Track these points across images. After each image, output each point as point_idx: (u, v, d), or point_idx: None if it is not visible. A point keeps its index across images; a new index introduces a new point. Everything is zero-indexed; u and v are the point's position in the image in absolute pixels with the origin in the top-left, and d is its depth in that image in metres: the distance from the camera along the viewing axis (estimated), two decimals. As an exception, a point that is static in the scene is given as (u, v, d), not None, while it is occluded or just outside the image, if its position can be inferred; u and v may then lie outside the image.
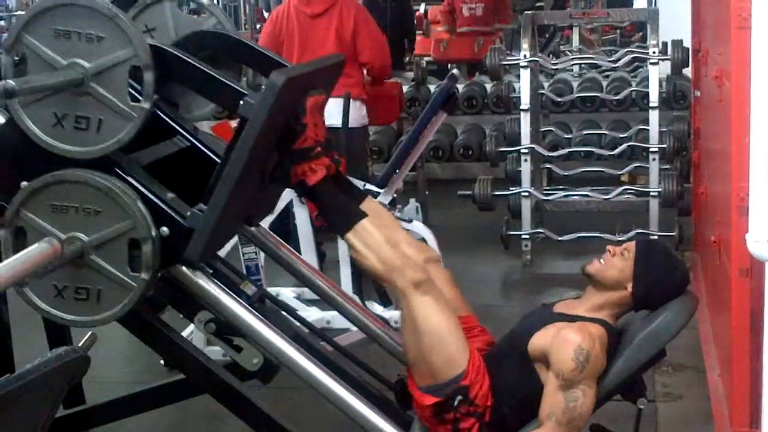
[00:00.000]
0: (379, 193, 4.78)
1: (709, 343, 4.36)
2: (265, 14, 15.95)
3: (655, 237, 5.75)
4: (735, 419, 3.36)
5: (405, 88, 8.26)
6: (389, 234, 2.89)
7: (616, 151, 6.46)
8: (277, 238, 3.29)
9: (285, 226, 5.20)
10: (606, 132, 7.44)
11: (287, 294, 5.06)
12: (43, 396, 1.96)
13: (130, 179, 2.62)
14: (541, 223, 6.37)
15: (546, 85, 7.91)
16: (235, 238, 4.35)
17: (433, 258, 3.06)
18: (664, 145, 5.95)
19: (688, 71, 6.43)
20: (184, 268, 2.70)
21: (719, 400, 3.77)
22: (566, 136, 7.39)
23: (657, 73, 5.93)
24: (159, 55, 2.60)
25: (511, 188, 6.25)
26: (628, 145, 6.46)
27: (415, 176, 6.92)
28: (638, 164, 6.34)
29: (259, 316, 2.77)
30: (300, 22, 5.82)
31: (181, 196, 2.67)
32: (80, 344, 2.85)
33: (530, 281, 5.97)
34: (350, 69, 5.81)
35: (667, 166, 6.31)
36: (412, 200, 5.62)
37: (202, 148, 2.84)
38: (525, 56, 6.01)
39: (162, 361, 3.99)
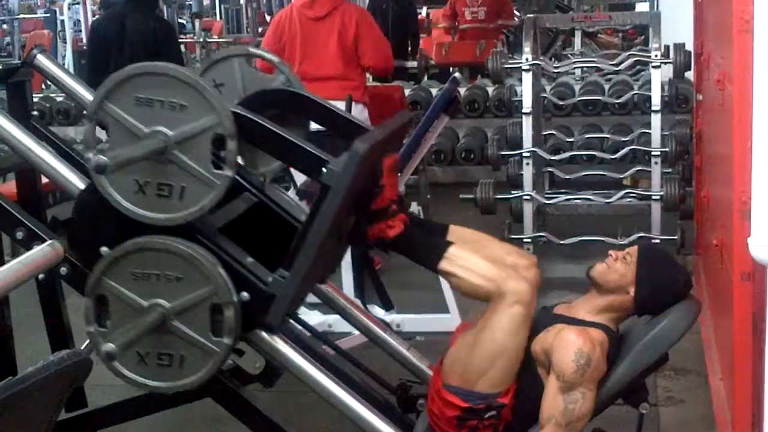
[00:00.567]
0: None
1: (711, 348, 4.36)
2: (268, 18, 15.98)
3: (657, 241, 5.75)
4: (737, 423, 3.35)
5: (407, 92, 8.26)
6: (485, 251, 2.91)
7: (618, 155, 6.45)
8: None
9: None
10: (608, 135, 7.45)
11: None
12: (46, 399, 1.97)
13: (210, 245, 2.63)
14: (543, 226, 6.36)
15: (548, 88, 7.91)
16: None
17: (534, 263, 3.06)
18: (666, 149, 5.94)
19: (690, 75, 6.43)
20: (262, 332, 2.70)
21: (721, 405, 3.77)
22: (568, 139, 7.39)
23: (659, 76, 5.92)
24: (238, 120, 2.58)
25: (512, 192, 6.24)
26: (630, 149, 6.45)
27: (417, 180, 6.92)
28: (640, 168, 6.33)
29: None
30: (302, 25, 5.83)
31: (251, 252, 2.67)
32: (82, 348, 2.86)
33: (532, 285, 5.96)
34: (352, 72, 5.82)
35: (669, 170, 6.30)
36: (414, 204, 5.62)
37: (271, 204, 2.85)
38: (527, 60, 6.01)
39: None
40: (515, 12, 11.31)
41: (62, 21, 14.96)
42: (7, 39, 16.71)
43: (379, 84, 7.26)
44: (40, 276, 2.85)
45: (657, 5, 12.40)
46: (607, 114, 8.31)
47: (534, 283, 2.89)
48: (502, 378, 2.80)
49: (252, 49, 3.26)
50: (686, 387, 4.24)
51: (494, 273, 2.78)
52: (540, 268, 3.06)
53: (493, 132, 8.27)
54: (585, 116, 8.36)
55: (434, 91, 8.62)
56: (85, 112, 2.61)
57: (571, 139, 7.49)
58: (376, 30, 5.95)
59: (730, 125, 3.31)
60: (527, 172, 6.09)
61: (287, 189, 4.02)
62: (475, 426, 2.81)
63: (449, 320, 4.57)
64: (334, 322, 4.50)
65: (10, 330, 3.27)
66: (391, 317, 4.55)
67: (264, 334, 2.70)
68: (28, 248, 2.65)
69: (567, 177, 6.50)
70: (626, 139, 6.74)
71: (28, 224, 2.75)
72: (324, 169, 2.53)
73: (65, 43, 14.16)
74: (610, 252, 3.00)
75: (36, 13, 17.78)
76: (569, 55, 10.52)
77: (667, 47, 6.03)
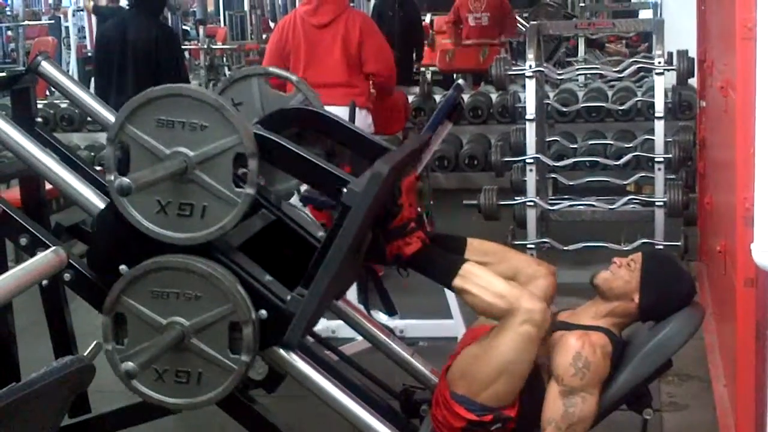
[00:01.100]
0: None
1: (714, 353, 4.35)
2: (272, 24, 15.99)
3: (661, 247, 5.75)
4: (740, 429, 3.35)
5: (410, 98, 8.27)
6: (504, 265, 2.94)
7: (622, 161, 6.44)
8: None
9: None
10: (611, 142, 7.44)
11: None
12: (49, 405, 1.97)
13: (228, 263, 2.64)
14: (546, 232, 6.36)
15: (551, 95, 7.91)
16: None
17: (552, 271, 3.08)
18: (670, 155, 5.93)
19: (693, 81, 6.43)
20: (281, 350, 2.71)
21: (725, 411, 3.77)
22: (572, 145, 7.39)
23: (662, 83, 5.92)
24: (259, 141, 2.60)
25: (516, 198, 6.24)
26: (634, 155, 6.45)
27: (420, 186, 6.91)
28: (643, 174, 6.33)
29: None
30: (306, 32, 5.83)
31: (268, 270, 2.69)
32: (86, 353, 2.86)
33: (536, 291, 5.96)
34: (356, 79, 5.83)
35: (673, 176, 6.30)
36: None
37: (288, 221, 2.86)
38: (530, 66, 6.01)
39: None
40: (519, 19, 11.30)
41: (66, 28, 15.00)
42: (12, 45, 16.72)
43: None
44: (44, 282, 2.86)
45: (660, 12, 12.40)
46: (610, 120, 8.31)
47: (550, 296, 2.94)
48: (507, 393, 2.80)
49: (272, 69, 3.27)
50: (690, 393, 4.24)
51: (508, 291, 2.78)
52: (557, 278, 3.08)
53: (496, 138, 8.27)
54: (588, 123, 8.36)
55: (438, 98, 8.62)
56: (89, 118, 2.62)
57: (575, 146, 7.49)
58: (379, 37, 5.95)
59: (733, 132, 3.32)
60: (531, 178, 6.09)
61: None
62: None
63: (453, 326, 4.57)
64: (338, 327, 4.50)
65: (13, 336, 3.27)
66: (395, 323, 4.54)
67: (282, 352, 2.71)
68: (32, 254, 2.65)
69: (570, 183, 6.49)
70: (629, 145, 6.74)
71: (32, 230, 2.76)
72: (345, 189, 2.54)
73: (69, 49, 14.18)
74: (615, 258, 3.01)
75: (40, 20, 17.81)
76: (573, 62, 10.51)
77: (670, 54, 6.03)
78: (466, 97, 8.50)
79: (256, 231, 2.81)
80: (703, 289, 5.09)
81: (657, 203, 5.94)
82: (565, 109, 7.44)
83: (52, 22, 17.40)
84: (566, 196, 6.64)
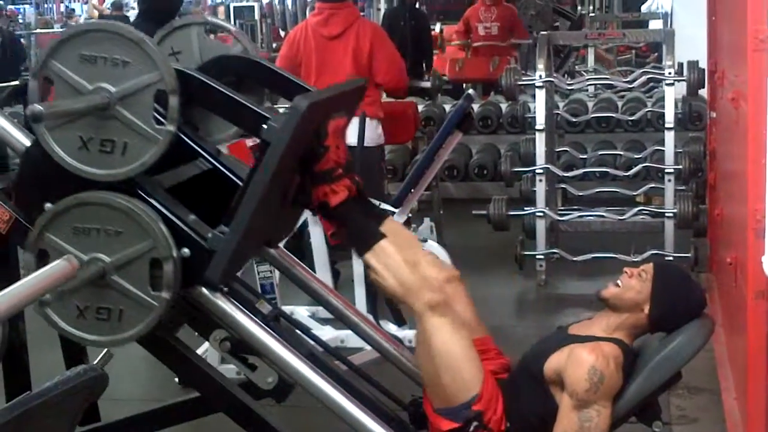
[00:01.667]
0: (394, 212, 4.79)
1: (724, 366, 4.34)
2: (282, 33, 16.04)
3: (671, 258, 5.74)
4: (751, 442, 3.34)
5: (420, 108, 8.28)
6: (409, 254, 2.89)
7: (632, 172, 6.45)
8: (292, 256, 3.30)
9: (299, 245, 5.21)
10: (621, 152, 7.45)
11: (302, 313, 5.07)
12: (62, 414, 1.97)
13: (151, 201, 2.64)
14: (555, 243, 6.36)
15: (561, 105, 7.92)
16: (251, 257, 4.36)
17: (455, 277, 3.06)
18: (680, 166, 5.93)
19: (703, 92, 6.43)
20: (203, 288, 2.71)
21: (735, 423, 3.76)
22: (581, 156, 7.39)
23: (672, 93, 5.92)
24: (183, 79, 2.62)
25: (525, 208, 6.24)
26: (644, 166, 6.45)
27: (429, 196, 6.92)
28: (653, 185, 6.33)
29: (274, 334, 2.78)
30: (317, 43, 5.84)
31: (203, 218, 2.68)
32: (95, 362, 2.87)
33: (545, 302, 5.96)
34: (366, 88, 5.83)
35: (683, 187, 6.30)
36: (426, 219, 5.63)
37: (224, 170, 2.85)
38: (540, 76, 6.02)
39: (176, 379, 4.00)
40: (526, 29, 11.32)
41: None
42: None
43: (393, 100, 7.27)
44: (55, 290, 2.86)
45: (671, 23, 12.39)
46: (620, 131, 8.31)
47: (452, 294, 2.92)
48: (468, 381, 2.80)
49: (210, 18, 3.29)
50: (700, 405, 4.23)
51: (410, 280, 2.80)
52: (462, 280, 3.08)
53: (506, 148, 8.28)
54: (598, 133, 8.36)
55: (448, 108, 8.63)
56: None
57: (584, 156, 7.49)
58: (390, 48, 5.96)
59: (744, 143, 3.32)
60: (540, 188, 6.10)
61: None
62: None
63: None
64: (347, 337, 4.50)
65: (24, 344, 3.28)
66: (404, 332, 4.55)
67: (205, 291, 2.69)
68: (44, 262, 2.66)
69: (580, 194, 6.50)
70: (639, 156, 6.74)
71: (44, 238, 2.76)
72: (264, 126, 2.55)
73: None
74: (626, 269, 3.00)
75: (52, 28, 17.89)
76: (582, 72, 10.52)
77: (680, 65, 6.03)
78: (475, 106, 8.50)
79: (190, 176, 2.81)
80: (714, 301, 5.08)
81: (667, 214, 5.94)
82: (574, 120, 7.44)
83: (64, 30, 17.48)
84: (576, 207, 6.64)
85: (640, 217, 6.21)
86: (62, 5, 26.56)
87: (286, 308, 4.53)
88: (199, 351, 3.77)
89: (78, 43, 2.55)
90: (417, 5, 11.03)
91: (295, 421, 3.70)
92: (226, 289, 2.81)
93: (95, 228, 2.59)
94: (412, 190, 5.03)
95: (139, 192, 2.64)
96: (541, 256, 6.06)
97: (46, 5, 27.12)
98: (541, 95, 6.06)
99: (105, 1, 15.59)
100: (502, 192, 6.79)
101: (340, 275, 5.57)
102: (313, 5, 8.05)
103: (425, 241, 4.88)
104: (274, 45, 14.64)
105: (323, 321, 4.94)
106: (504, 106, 8.66)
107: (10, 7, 24.71)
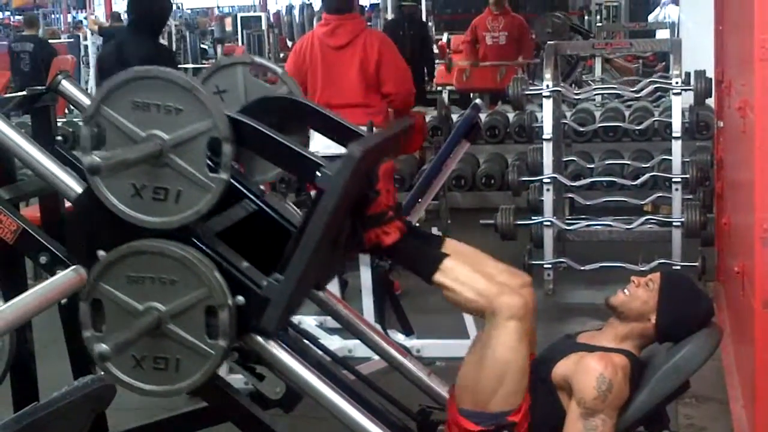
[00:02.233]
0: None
1: (732, 375, 4.33)
2: (289, 43, 16.08)
3: (678, 267, 5.73)
4: (759, 452, 3.33)
5: (428, 118, 8.28)
6: (478, 266, 2.90)
7: (639, 181, 6.44)
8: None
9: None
10: (628, 162, 7.44)
11: (309, 322, 5.06)
12: (70, 424, 1.98)
13: (206, 248, 2.64)
14: (563, 252, 6.36)
15: (568, 114, 7.91)
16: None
17: (528, 282, 3.04)
18: (687, 176, 5.93)
19: (711, 101, 6.43)
20: (257, 336, 2.70)
21: (743, 432, 3.75)
22: (589, 165, 7.39)
23: (680, 103, 5.93)
24: (235, 125, 2.60)
25: (533, 218, 6.24)
26: (651, 175, 6.45)
27: (437, 205, 6.93)
28: (661, 194, 6.33)
29: (282, 344, 2.78)
30: (324, 54, 5.85)
31: (250, 260, 2.68)
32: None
33: (552, 311, 5.94)
34: (373, 99, 5.84)
35: (690, 197, 6.29)
36: (434, 229, 5.62)
37: (270, 212, 2.84)
38: (547, 86, 6.02)
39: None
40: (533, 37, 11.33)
41: (86, 46, 15.11)
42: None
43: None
44: (63, 300, 2.87)
45: (678, 32, 12.39)
46: (627, 140, 8.30)
47: (528, 299, 2.88)
48: (513, 393, 2.80)
49: (256, 58, 3.28)
50: (707, 414, 4.22)
51: (487, 288, 2.79)
52: (533, 288, 3.04)
53: (513, 158, 8.28)
54: (605, 142, 8.35)
55: (455, 117, 8.64)
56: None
57: (592, 166, 7.49)
58: (398, 58, 5.97)
59: (751, 152, 3.31)
60: (548, 197, 6.10)
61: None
62: None
63: (469, 345, 4.56)
64: (354, 347, 4.50)
65: (32, 354, 3.28)
66: (411, 342, 4.55)
67: (259, 338, 2.70)
68: (52, 273, 2.67)
69: (587, 203, 6.49)
70: (647, 165, 6.74)
71: (52, 249, 2.76)
72: (318, 173, 2.54)
73: (89, 68, 14.29)
74: (633, 278, 3.00)
75: (60, 38, 17.96)
76: (590, 82, 10.52)
77: (687, 74, 6.03)
78: (483, 116, 8.50)
79: (237, 220, 2.81)
80: (721, 310, 5.07)
81: (674, 223, 5.94)
82: (582, 129, 7.44)
83: (71, 40, 17.56)
84: (583, 216, 6.64)
85: (648, 226, 6.20)
86: (69, 16, 26.68)
87: (294, 318, 4.53)
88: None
89: (130, 89, 2.53)
90: (416, 14, 11.02)
91: (303, 430, 3.70)
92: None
93: (150, 277, 2.58)
94: (420, 200, 5.03)
95: (193, 240, 2.63)
96: (549, 266, 6.06)
97: (53, 15, 27.25)
98: (548, 105, 6.06)
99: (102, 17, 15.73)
100: (510, 201, 6.79)
101: (348, 285, 5.57)
102: (320, 16, 8.09)
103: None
104: (281, 55, 14.68)
105: (331, 330, 4.94)
106: (511, 116, 8.66)
107: (17, 17, 24.83)
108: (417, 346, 4.64)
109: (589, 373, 2.77)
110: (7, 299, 2.52)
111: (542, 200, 6.16)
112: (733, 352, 4.48)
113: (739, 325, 4.20)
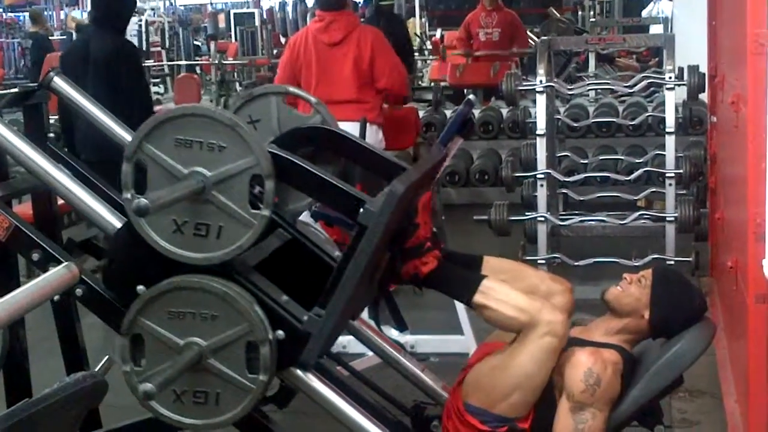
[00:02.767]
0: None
1: (726, 369, 4.34)
2: (282, 40, 16.06)
3: (672, 262, 5.74)
4: (753, 446, 3.34)
5: (421, 114, 8.28)
6: (520, 281, 2.94)
7: (632, 177, 6.44)
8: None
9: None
10: (622, 157, 7.44)
11: (303, 318, 5.06)
12: (62, 421, 1.97)
13: (245, 282, 2.64)
14: (557, 248, 6.35)
15: (562, 110, 7.92)
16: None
17: (568, 288, 3.08)
18: (681, 171, 5.93)
19: (704, 96, 6.43)
20: (297, 370, 2.71)
21: (736, 426, 3.75)
22: (582, 161, 7.38)
23: (673, 98, 5.92)
24: (276, 161, 2.59)
25: (527, 213, 6.24)
26: (645, 171, 6.44)
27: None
28: (654, 189, 6.32)
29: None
30: (318, 50, 5.86)
31: (284, 289, 2.69)
32: (97, 368, 2.87)
33: (546, 306, 5.95)
34: (367, 94, 5.85)
35: (684, 192, 6.29)
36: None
37: (304, 240, 2.85)
38: (541, 81, 6.02)
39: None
40: (530, 35, 11.32)
41: (79, 43, 15.06)
42: (24, 60, 16.85)
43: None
44: (56, 297, 2.86)
45: (671, 27, 12.40)
46: (621, 135, 8.32)
47: (568, 311, 2.92)
48: (523, 404, 2.81)
49: (291, 88, 3.27)
50: (701, 409, 4.23)
51: (528, 304, 2.79)
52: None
53: (507, 153, 8.27)
54: (599, 138, 8.37)
55: (448, 113, 8.64)
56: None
57: (585, 161, 7.48)
58: (391, 53, 5.97)
59: (744, 147, 3.32)
60: (541, 193, 6.09)
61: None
62: None
63: (463, 341, 4.57)
64: (348, 343, 4.50)
65: (25, 351, 3.28)
66: (406, 338, 4.55)
67: (299, 372, 2.71)
68: (44, 270, 2.66)
69: (581, 198, 6.49)
70: (640, 160, 6.74)
71: (44, 246, 2.76)
72: (361, 209, 2.52)
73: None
74: (625, 275, 3.01)
75: (52, 35, 17.92)
76: (583, 77, 10.52)
77: (681, 69, 6.03)
78: (476, 112, 8.51)
79: (272, 251, 2.81)
80: (715, 305, 5.08)
81: (668, 218, 5.93)
82: (575, 125, 7.43)
83: (64, 37, 17.52)
84: (577, 212, 6.63)
85: (641, 221, 6.20)
86: (62, 12, 26.64)
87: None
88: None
89: (172, 126, 2.53)
90: (392, 11, 10.93)
91: (297, 426, 3.70)
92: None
93: (190, 312, 2.59)
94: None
95: (233, 274, 2.63)
96: (543, 261, 6.06)
97: (45, 13, 27.21)
98: (541, 100, 6.05)
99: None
100: (504, 197, 6.78)
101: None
102: (313, 12, 8.07)
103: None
104: (275, 51, 14.67)
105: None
106: (505, 112, 8.67)
107: (9, 14, 24.79)
108: (411, 341, 4.64)
109: (577, 367, 2.78)
110: (-1, 296, 2.51)
111: (536, 196, 6.15)
112: (727, 346, 4.48)
113: (733, 320, 4.21)
